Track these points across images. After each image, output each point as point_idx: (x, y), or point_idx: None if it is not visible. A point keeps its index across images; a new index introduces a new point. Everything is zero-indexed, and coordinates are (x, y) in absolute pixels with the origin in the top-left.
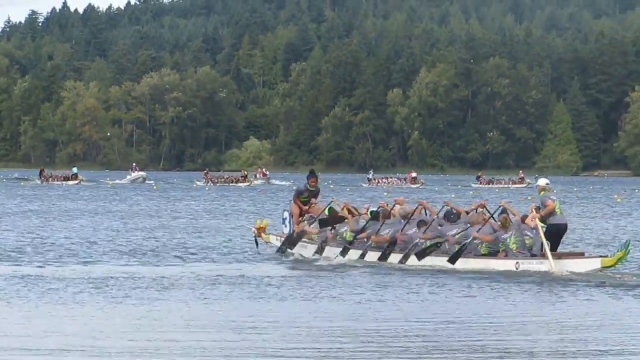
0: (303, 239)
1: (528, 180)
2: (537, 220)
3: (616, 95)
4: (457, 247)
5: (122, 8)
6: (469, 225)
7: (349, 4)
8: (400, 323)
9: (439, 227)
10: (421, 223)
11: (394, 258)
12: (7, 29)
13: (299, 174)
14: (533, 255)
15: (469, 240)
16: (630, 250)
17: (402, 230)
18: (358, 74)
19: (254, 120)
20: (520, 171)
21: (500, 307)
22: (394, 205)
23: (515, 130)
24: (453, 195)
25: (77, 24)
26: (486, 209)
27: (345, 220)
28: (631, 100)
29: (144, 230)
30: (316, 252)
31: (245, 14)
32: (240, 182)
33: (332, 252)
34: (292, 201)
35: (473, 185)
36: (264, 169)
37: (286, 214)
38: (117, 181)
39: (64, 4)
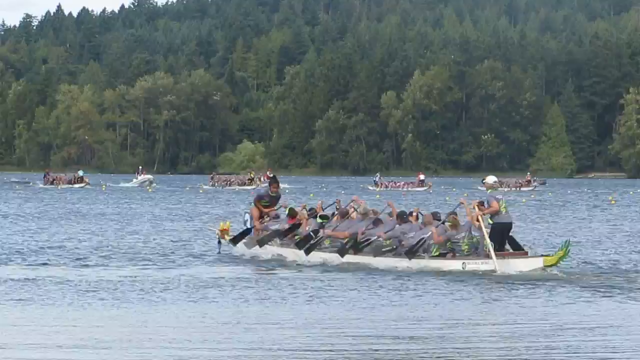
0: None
1: (535, 183)
2: (481, 219)
3: (610, 98)
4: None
5: (116, 11)
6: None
7: (342, 7)
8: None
9: (397, 227)
10: (377, 221)
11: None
12: (2, 33)
13: (293, 177)
14: (478, 255)
15: (424, 240)
16: (570, 250)
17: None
18: (352, 77)
19: (248, 123)
20: (528, 173)
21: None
22: (349, 204)
23: (510, 133)
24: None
25: (71, 27)
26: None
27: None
28: (625, 103)
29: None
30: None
31: (239, 18)
32: (247, 185)
33: (291, 252)
34: (253, 204)
35: (480, 188)
36: (268, 172)
37: (247, 216)
38: (122, 184)
39: (58, 7)
